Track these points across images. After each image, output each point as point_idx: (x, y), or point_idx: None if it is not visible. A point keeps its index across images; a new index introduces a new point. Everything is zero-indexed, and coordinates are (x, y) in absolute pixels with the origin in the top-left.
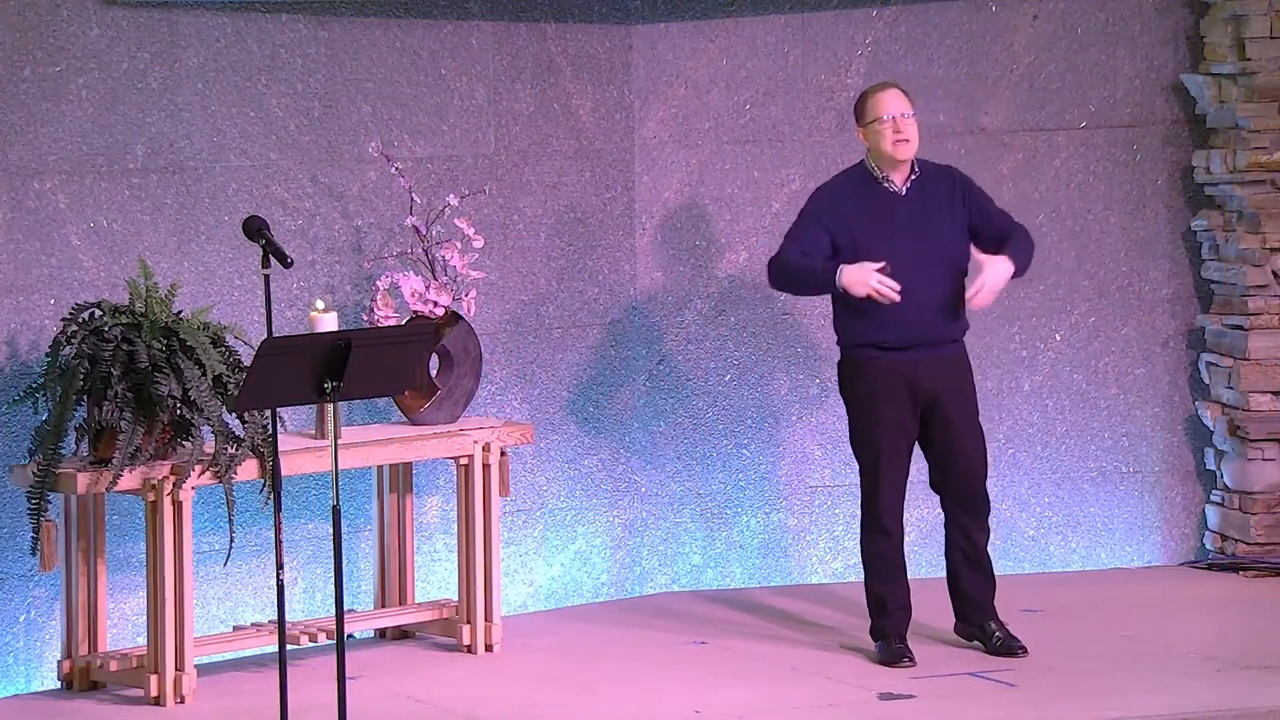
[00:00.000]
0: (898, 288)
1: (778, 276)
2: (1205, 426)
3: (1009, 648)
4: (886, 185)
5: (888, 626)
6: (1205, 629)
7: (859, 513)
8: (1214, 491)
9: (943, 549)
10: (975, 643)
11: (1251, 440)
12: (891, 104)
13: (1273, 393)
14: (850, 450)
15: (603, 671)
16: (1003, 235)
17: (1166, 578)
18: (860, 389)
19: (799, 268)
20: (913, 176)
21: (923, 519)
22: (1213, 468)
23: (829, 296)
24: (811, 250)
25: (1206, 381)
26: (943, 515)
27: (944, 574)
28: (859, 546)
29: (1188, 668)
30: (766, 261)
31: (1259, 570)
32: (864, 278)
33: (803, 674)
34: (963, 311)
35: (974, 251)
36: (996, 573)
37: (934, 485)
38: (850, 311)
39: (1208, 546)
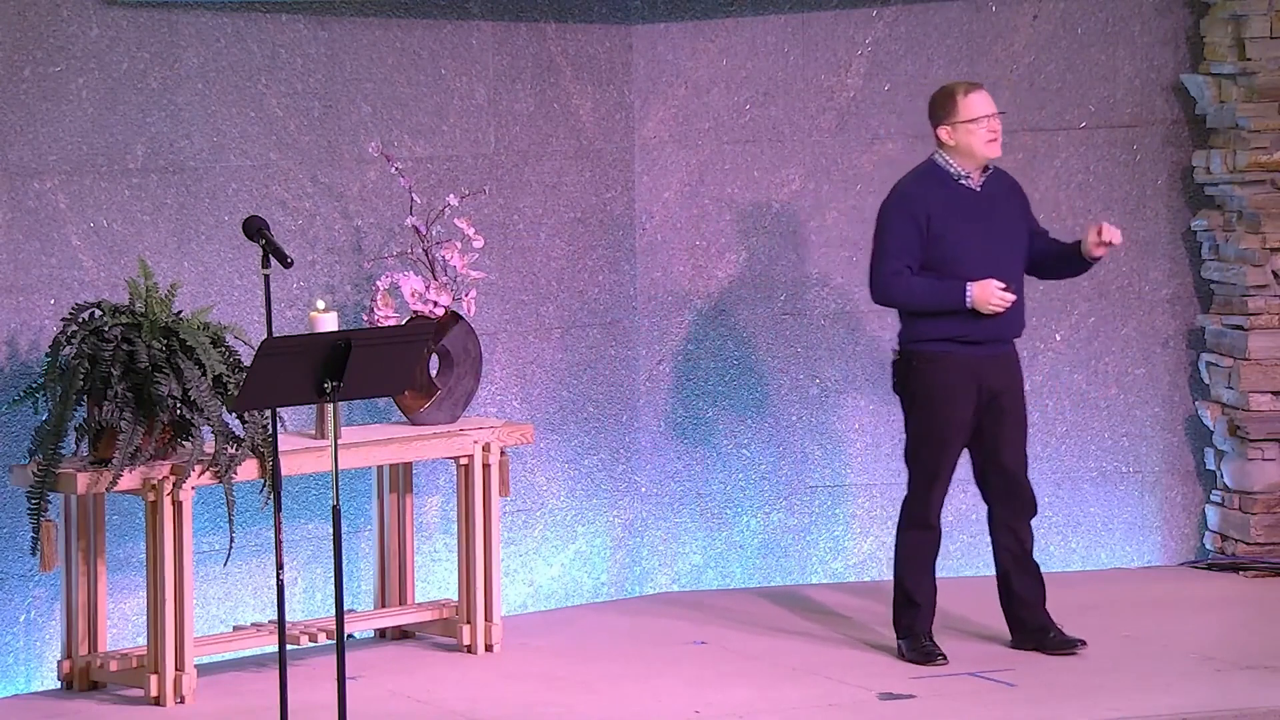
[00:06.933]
0: (1013, 296)
1: (898, 300)
2: (1205, 426)
3: (1067, 643)
4: (965, 182)
5: (918, 623)
6: (1205, 629)
7: (898, 510)
8: (1214, 491)
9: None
10: (1032, 649)
11: (1251, 440)
12: (986, 104)
13: (1273, 393)
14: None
15: (603, 671)
16: (1054, 242)
17: (1166, 578)
18: (930, 386)
19: (923, 293)
20: (986, 173)
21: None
22: (1213, 468)
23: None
24: (911, 260)
25: (1206, 381)
26: (988, 520)
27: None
28: (895, 539)
29: (1188, 668)
30: (869, 280)
31: (1259, 570)
32: (990, 296)
33: (803, 674)
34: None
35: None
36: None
37: (980, 482)
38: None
39: (1208, 546)
